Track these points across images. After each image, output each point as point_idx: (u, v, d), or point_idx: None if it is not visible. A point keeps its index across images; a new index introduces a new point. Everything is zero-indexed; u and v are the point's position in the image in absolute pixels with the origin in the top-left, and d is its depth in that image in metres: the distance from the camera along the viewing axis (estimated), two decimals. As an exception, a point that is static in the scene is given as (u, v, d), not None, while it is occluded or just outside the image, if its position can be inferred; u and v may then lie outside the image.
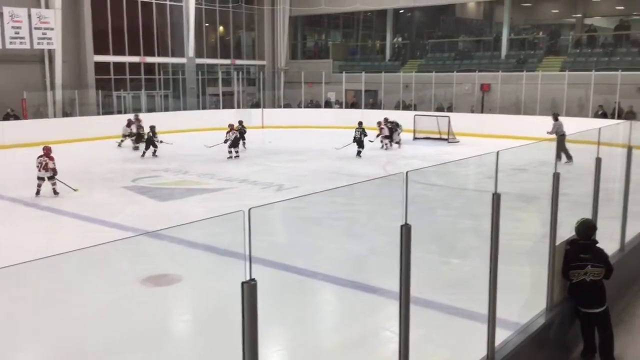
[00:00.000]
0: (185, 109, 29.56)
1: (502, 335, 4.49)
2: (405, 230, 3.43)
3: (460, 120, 24.17)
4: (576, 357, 5.40)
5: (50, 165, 13.10)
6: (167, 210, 12.06)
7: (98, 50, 27.10)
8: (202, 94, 31.11)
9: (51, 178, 13.15)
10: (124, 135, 22.01)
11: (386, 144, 21.50)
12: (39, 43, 24.29)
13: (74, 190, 13.39)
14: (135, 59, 28.82)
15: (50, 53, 25.11)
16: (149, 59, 29.55)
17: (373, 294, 7.08)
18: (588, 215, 5.85)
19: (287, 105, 32.49)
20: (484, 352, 4.24)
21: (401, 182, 3.41)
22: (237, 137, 19.36)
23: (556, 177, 4.97)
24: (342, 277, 7.68)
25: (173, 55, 30.82)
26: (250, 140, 21.58)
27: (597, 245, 5.37)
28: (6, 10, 23.41)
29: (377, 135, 21.50)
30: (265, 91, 33.20)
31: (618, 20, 27.85)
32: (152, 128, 19.63)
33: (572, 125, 18.04)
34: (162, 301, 7.23)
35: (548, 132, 17.97)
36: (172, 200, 13.15)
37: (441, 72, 27.95)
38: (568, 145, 16.05)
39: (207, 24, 32.35)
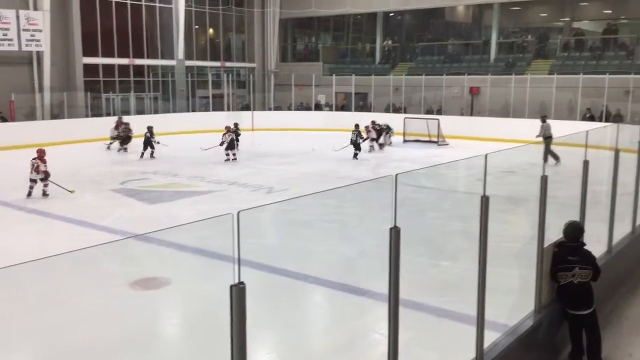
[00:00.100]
0: (174, 111, 29.39)
1: (490, 337, 4.51)
2: (395, 233, 3.44)
3: (449, 123, 24.29)
4: (564, 358, 5.43)
5: (42, 167, 13.04)
6: (155, 213, 11.99)
7: (87, 52, 26.91)
8: (192, 96, 30.96)
9: (43, 180, 13.10)
10: (112, 138, 21.91)
11: (372, 147, 21.60)
12: (27, 45, 24.09)
13: (70, 192, 13.32)
14: (124, 61, 28.64)
15: (39, 55, 24.90)
16: (138, 61, 29.36)
17: (362, 296, 7.09)
18: (576, 217, 5.89)
19: (277, 108, 32.46)
20: (472, 354, 4.26)
21: (391, 184, 3.41)
22: (233, 139, 19.31)
23: (544, 179, 5.01)
24: (332, 280, 7.67)
25: (162, 58, 30.65)
26: (240, 143, 21.52)
27: (585, 247, 5.41)
28: (-6, 11, 23.24)
29: (364, 139, 21.56)
30: (255, 94, 33.07)
31: (606, 24, 28.06)
32: (150, 129, 19.54)
33: (560, 128, 18.16)
34: (151, 304, 7.19)
35: (536, 136, 18.13)
36: (161, 202, 13.07)
37: (431, 75, 28.08)
38: (556, 148, 16.15)
39: (196, 26, 32.22)
